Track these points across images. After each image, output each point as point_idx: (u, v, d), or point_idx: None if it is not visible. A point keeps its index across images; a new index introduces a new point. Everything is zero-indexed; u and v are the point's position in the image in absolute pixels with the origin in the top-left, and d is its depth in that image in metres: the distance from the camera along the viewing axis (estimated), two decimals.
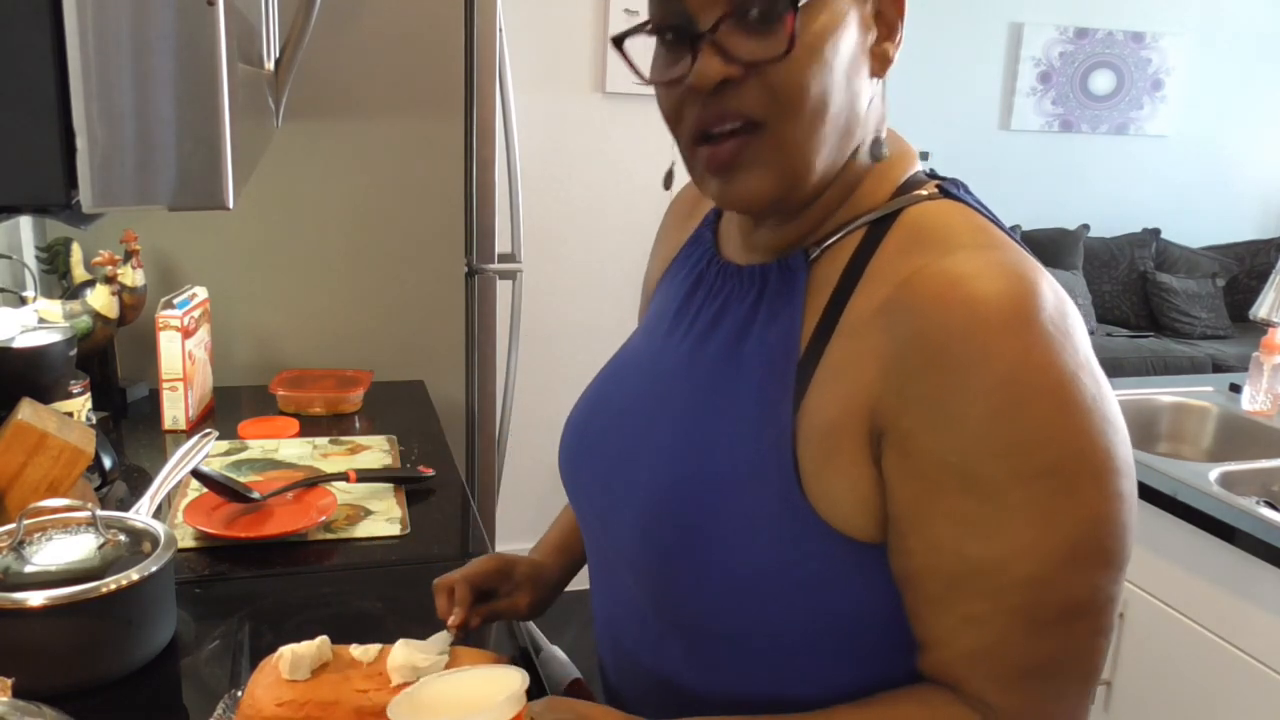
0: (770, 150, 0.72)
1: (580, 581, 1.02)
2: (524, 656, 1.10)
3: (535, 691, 1.04)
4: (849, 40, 0.71)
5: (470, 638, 0.96)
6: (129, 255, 1.76)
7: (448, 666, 0.87)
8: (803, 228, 0.78)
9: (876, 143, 0.76)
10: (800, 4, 0.68)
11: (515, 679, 0.76)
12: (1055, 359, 0.66)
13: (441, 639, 0.91)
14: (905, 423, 0.68)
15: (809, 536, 0.72)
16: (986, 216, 0.76)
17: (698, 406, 0.79)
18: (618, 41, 0.77)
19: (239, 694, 0.89)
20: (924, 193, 0.77)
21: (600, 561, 0.91)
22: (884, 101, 0.79)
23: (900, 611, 0.73)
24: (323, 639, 0.88)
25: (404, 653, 0.86)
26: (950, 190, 0.78)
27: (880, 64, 0.75)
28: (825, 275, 0.76)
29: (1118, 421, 0.68)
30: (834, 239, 0.77)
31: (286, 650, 0.86)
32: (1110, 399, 0.69)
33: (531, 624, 1.16)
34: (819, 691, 0.76)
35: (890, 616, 0.74)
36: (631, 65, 0.76)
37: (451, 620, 0.94)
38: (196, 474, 1.31)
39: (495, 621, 1.02)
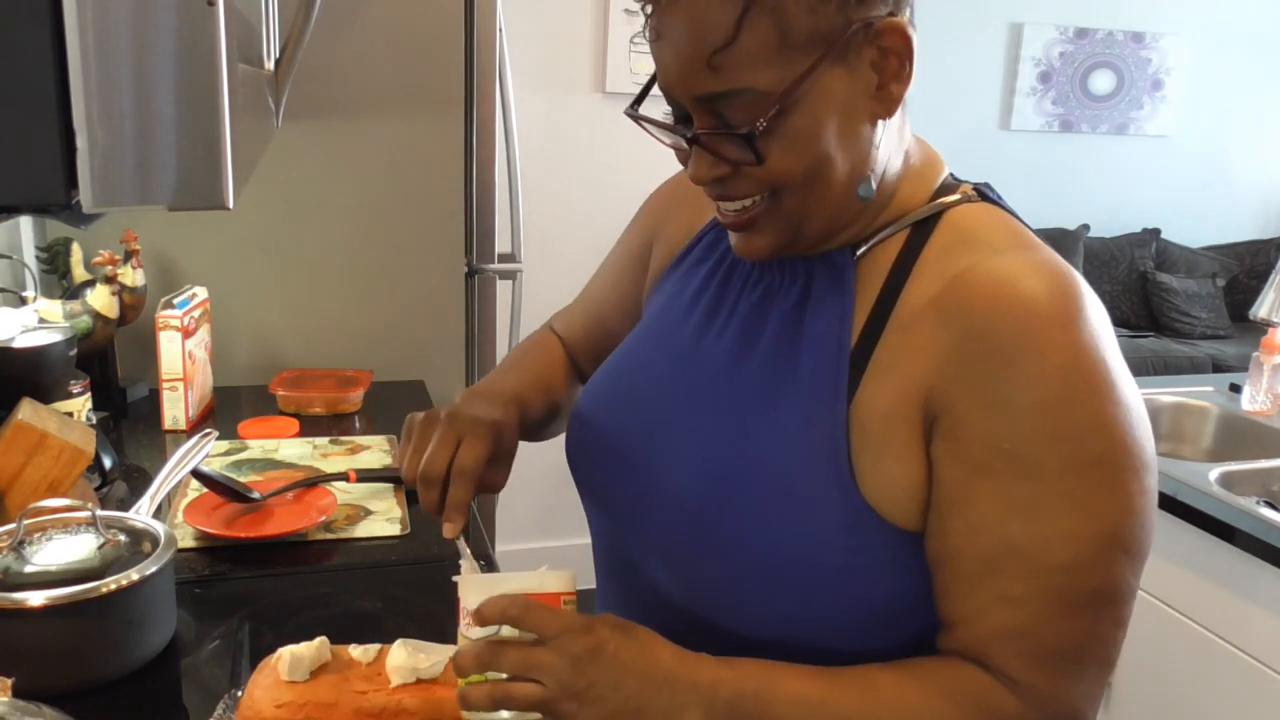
0: (779, 216, 0.76)
1: (585, 581, 1.02)
2: None
3: None
4: (839, 109, 0.72)
5: None
6: (129, 255, 1.76)
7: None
8: (852, 229, 0.80)
9: (865, 182, 0.76)
10: (759, 130, 0.70)
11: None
12: (1103, 355, 0.69)
13: (471, 562, 0.84)
14: (959, 409, 0.71)
15: (860, 526, 0.74)
16: (1016, 219, 0.80)
17: (746, 397, 0.80)
18: (634, 107, 0.79)
19: (239, 694, 0.89)
20: (960, 196, 0.80)
21: (614, 560, 0.90)
22: (904, 119, 0.79)
23: (925, 599, 0.75)
24: (321, 640, 0.88)
25: (403, 653, 0.86)
26: (985, 193, 0.81)
27: (886, 107, 0.74)
28: (872, 272, 0.78)
29: (1145, 417, 0.72)
30: (879, 238, 0.79)
31: (285, 651, 0.86)
32: (1140, 398, 0.72)
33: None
34: (826, 661, 0.76)
35: (917, 602, 0.76)
36: (650, 130, 0.78)
37: (447, 531, 0.85)
38: (196, 474, 1.31)
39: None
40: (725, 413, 0.81)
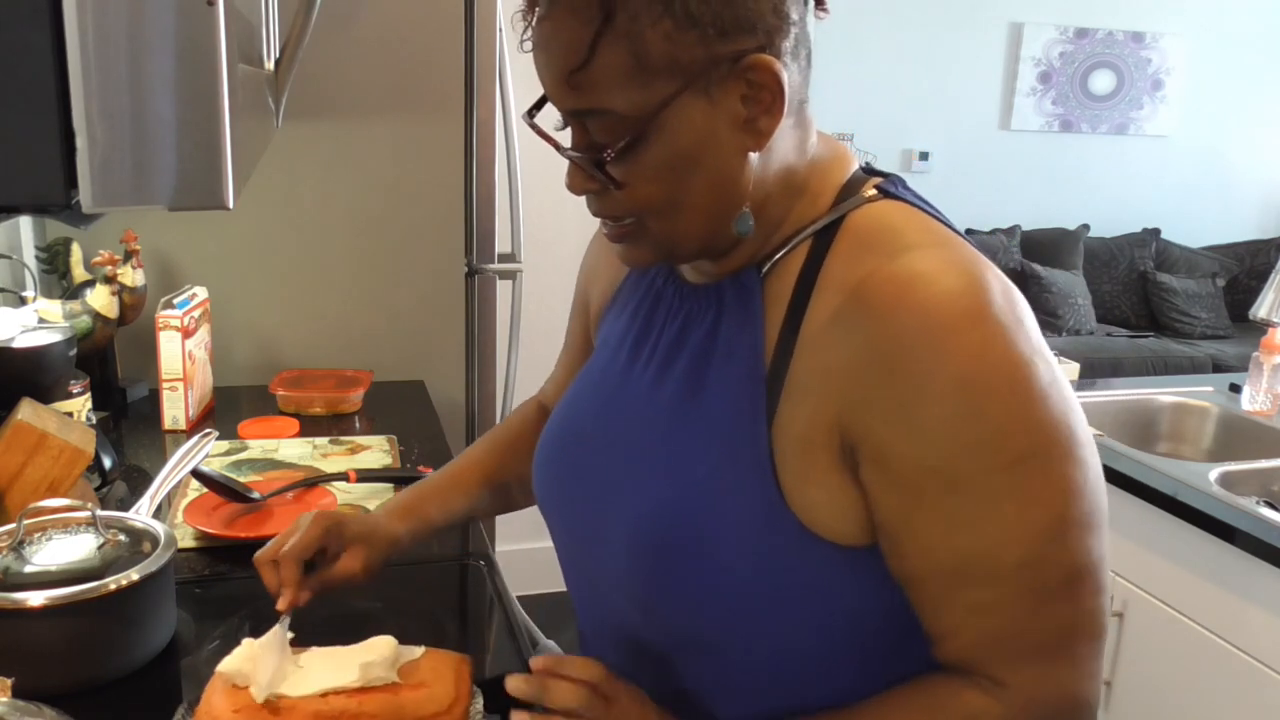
0: (644, 236, 0.77)
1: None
2: (520, 652, 1.11)
3: (516, 662, 1.05)
4: (701, 140, 0.72)
5: (476, 639, 0.96)
6: (129, 255, 1.76)
7: (409, 669, 0.87)
8: (752, 245, 0.79)
9: (742, 217, 0.76)
10: (609, 157, 0.72)
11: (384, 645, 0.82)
12: (1010, 349, 0.68)
13: (278, 631, 0.87)
14: (877, 435, 0.70)
15: (796, 546, 0.73)
16: (927, 211, 0.77)
17: (671, 431, 0.80)
18: (530, 115, 0.80)
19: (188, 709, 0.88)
20: (865, 194, 0.78)
21: (584, 583, 0.91)
22: (802, 135, 0.77)
23: (896, 609, 0.75)
24: (276, 639, 0.87)
25: (244, 654, 0.85)
26: (888, 189, 0.78)
27: (755, 140, 0.73)
28: (779, 289, 0.77)
29: (1072, 397, 0.71)
30: (782, 253, 0.78)
31: (234, 661, 0.86)
32: (1063, 377, 0.71)
33: (528, 618, 1.16)
34: (819, 695, 0.78)
35: (886, 614, 0.75)
36: (545, 136, 0.78)
37: (280, 604, 0.90)
38: (196, 474, 1.31)
39: (330, 590, 0.97)
40: (658, 451, 0.80)
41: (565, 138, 0.77)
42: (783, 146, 0.76)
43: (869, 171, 0.81)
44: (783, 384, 0.74)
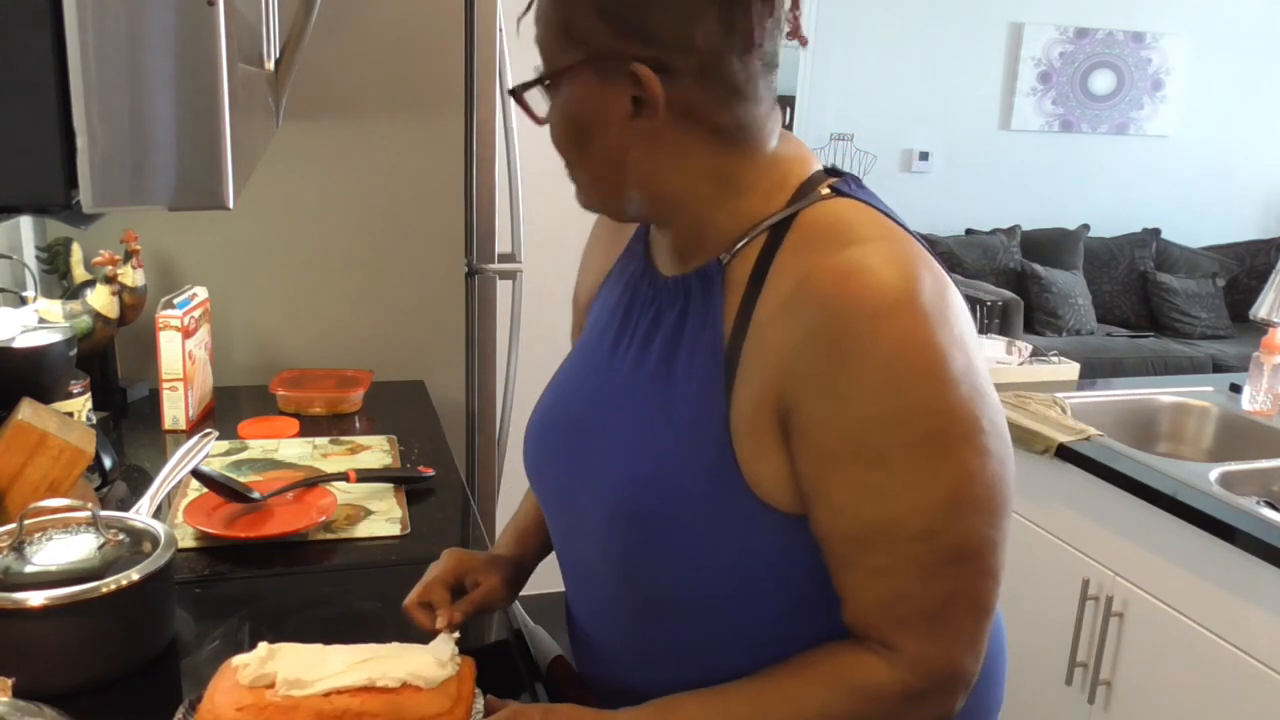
0: (578, 185, 0.89)
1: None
2: (516, 636, 1.11)
3: (524, 668, 1.06)
4: (590, 114, 0.83)
5: (476, 639, 0.96)
6: (129, 255, 1.76)
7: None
8: (716, 238, 0.86)
9: (631, 201, 0.87)
10: (523, 88, 0.84)
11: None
12: (930, 338, 0.74)
13: (444, 641, 0.91)
14: (805, 406, 0.77)
15: (751, 517, 0.81)
16: (876, 208, 0.84)
17: (644, 413, 0.87)
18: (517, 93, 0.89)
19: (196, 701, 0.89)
20: (822, 192, 0.84)
21: (568, 550, 0.98)
22: (737, 160, 0.84)
23: (817, 569, 0.82)
24: (277, 646, 0.89)
25: (261, 657, 0.87)
26: (842, 188, 0.85)
27: (636, 137, 0.82)
28: (737, 278, 0.84)
29: (985, 389, 0.77)
30: (740, 245, 0.85)
31: (239, 660, 0.87)
32: (980, 370, 0.77)
33: (518, 604, 1.18)
34: (763, 644, 0.85)
35: (808, 575, 0.83)
36: (521, 105, 0.88)
37: (439, 624, 0.95)
38: (196, 474, 1.31)
39: (482, 612, 1.03)
40: (632, 434, 0.88)
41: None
42: (701, 155, 0.84)
43: (830, 172, 0.88)
44: (737, 365, 0.81)
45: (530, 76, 0.86)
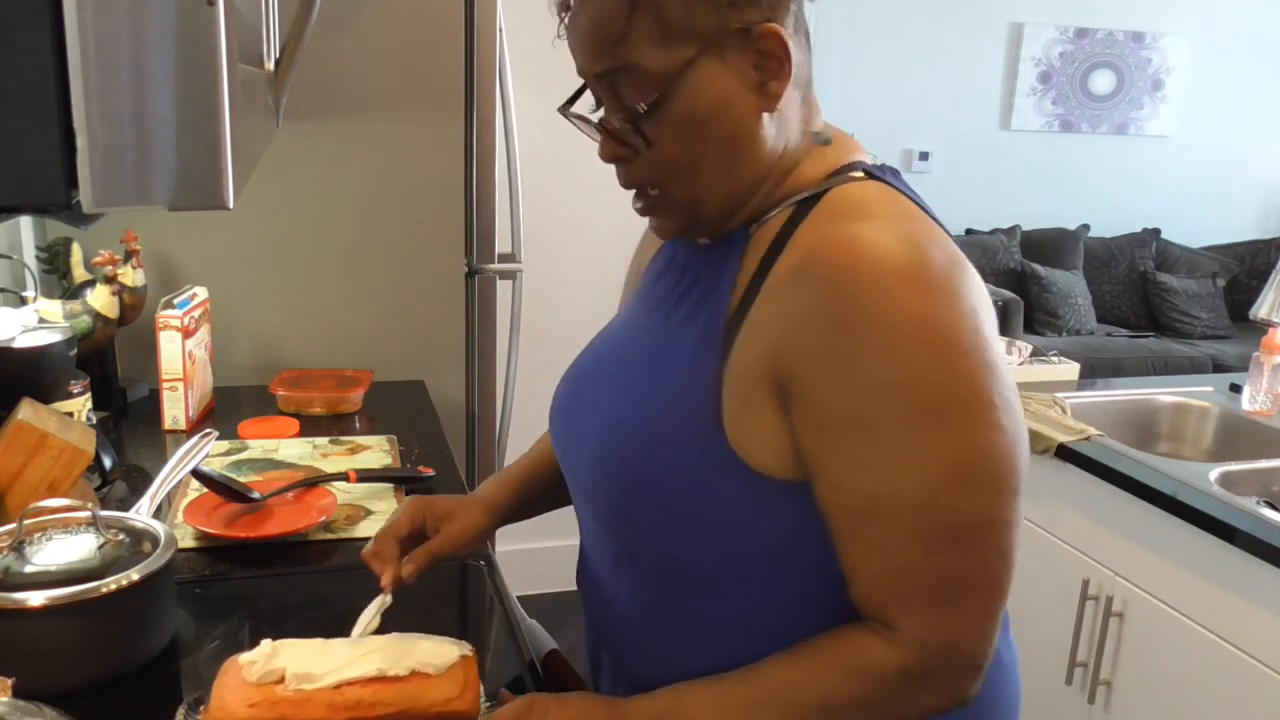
0: (668, 205, 0.86)
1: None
2: (509, 629, 1.11)
3: (517, 661, 1.06)
4: (719, 100, 0.80)
5: (476, 639, 0.96)
6: (129, 255, 1.76)
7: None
8: (749, 208, 0.86)
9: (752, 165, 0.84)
10: (643, 111, 0.80)
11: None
12: (935, 309, 0.73)
13: (378, 603, 0.93)
14: (807, 374, 0.76)
15: (731, 476, 0.81)
16: (910, 198, 0.84)
17: (644, 365, 0.89)
18: (566, 107, 0.88)
19: (201, 707, 0.89)
20: (854, 175, 0.85)
21: (575, 502, 1.00)
22: (808, 108, 0.86)
23: (819, 542, 0.81)
24: (281, 642, 0.89)
25: (265, 652, 0.88)
26: (875, 173, 0.85)
27: (767, 103, 0.81)
28: (759, 245, 0.85)
29: (996, 364, 0.75)
30: (769, 216, 0.85)
31: (245, 658, 0.87)
32: (992, 346, 0.76)
33: (514, 599, 1.18)
34: (753, 612, 0.85)
35: (807, 547, 0.82)
36: (578, 127, 0.87)
37: (382, 580, 0.96)
38: (196, 474, 1.31)
39: (437, 560, 1.01)
40: (625, 384, 0.89)
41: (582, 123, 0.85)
42: (792, 118, 0.84)
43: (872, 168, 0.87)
44: (740, 326, 0.82)
45: (539, 99, 0.85)
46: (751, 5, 0.78)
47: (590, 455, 0.90)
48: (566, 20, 0.84)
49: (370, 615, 0.93)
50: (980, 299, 0.76)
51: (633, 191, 0.88)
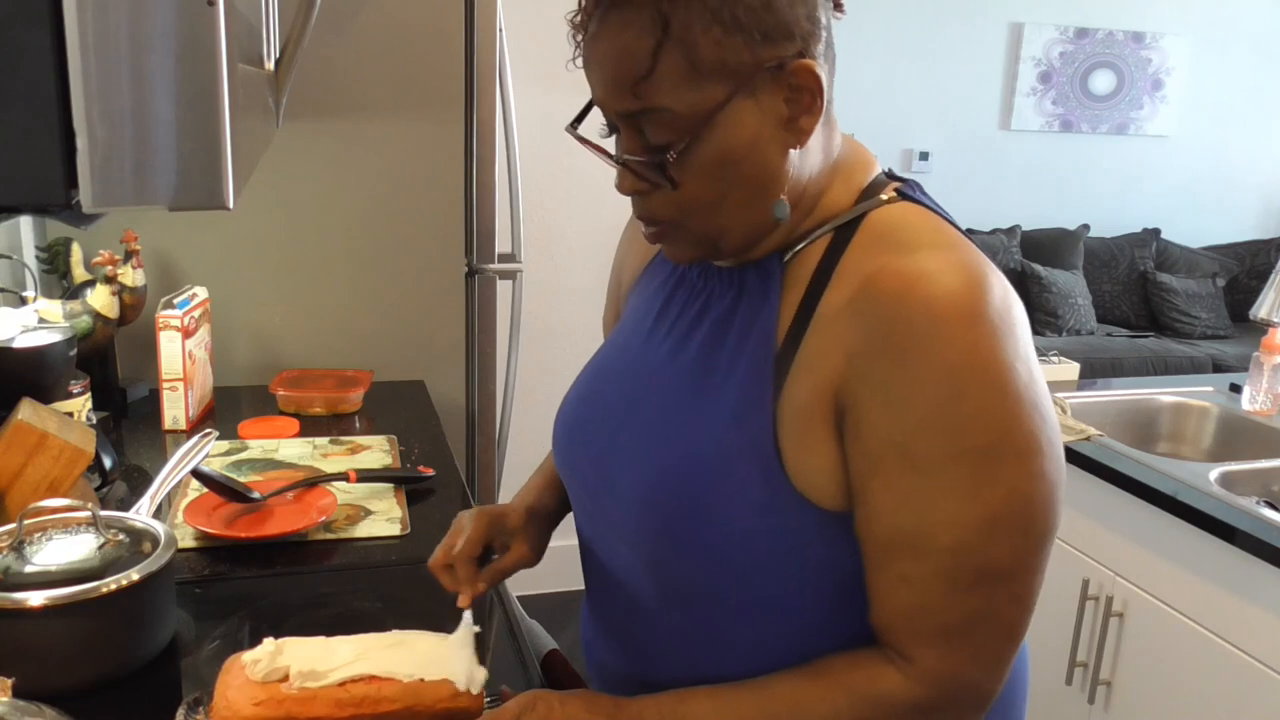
0: (685, 237, 0.83)
1: (578, 581, 1.03)
2: (509, 629, 1.11)
3: (516, 660, 1.06)
4: (750, 139, 0.77)
5: (476, 639, 0.96)
6: (129, 255, 1.76)
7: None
8: (778, 235, 0.84)
9: (779, 204, 0.81)
10: (672, 159, 0.77)
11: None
12: (996, 351, 0.73)
13: (465, 628, 0.92)
14: (861, 405, 0.76)
15: (788, 508, 0.80)
16: (941, 215, 0.83)
17: (684, 398, 0.86)
18: (574, 126, 0.84)
19: (201, 707, 0.89)
20: (884, 197, 0.84)
21: (595, 536, 0.96)
22: (828, 133, 0.83)
23: (861, 570, 0.81)
24: (284, 640, 0.89)
25: (269, 651, 0.88)
26: (907, 193, 0.85)
27: (797, 138, 0.79)
28: (798, 275, 0.83)
29: (1045, 408, 0.76)
30: (805, 243, 0.84)
31: (249, 657, 0.87)
32: (1041, 387, 0.76)
33: (514, 599, 1.19)
34: (788, 643, 0.84)
35: (851, 580, 0.82)
36: (593, 145, 0.82)
37: (460, 601, 0.96)
38: (196, 474, 1.31)
39: (506, 578, 1.02)
40: (668, 416, 0.87)
41: (594, 139, 0.82)
42: (815, 145, 0.82)
43: (890, 176, 0.87)
44: (793, 360, 0.80)
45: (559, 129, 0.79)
46: (785, 39, 0.75)
47: (640, 503, 0.86)
48: (582, 43, 0.80)
49: (465, 645, 0.91)
50: (1027, 335, 0.77)
51: (635, 214, 0.86)
